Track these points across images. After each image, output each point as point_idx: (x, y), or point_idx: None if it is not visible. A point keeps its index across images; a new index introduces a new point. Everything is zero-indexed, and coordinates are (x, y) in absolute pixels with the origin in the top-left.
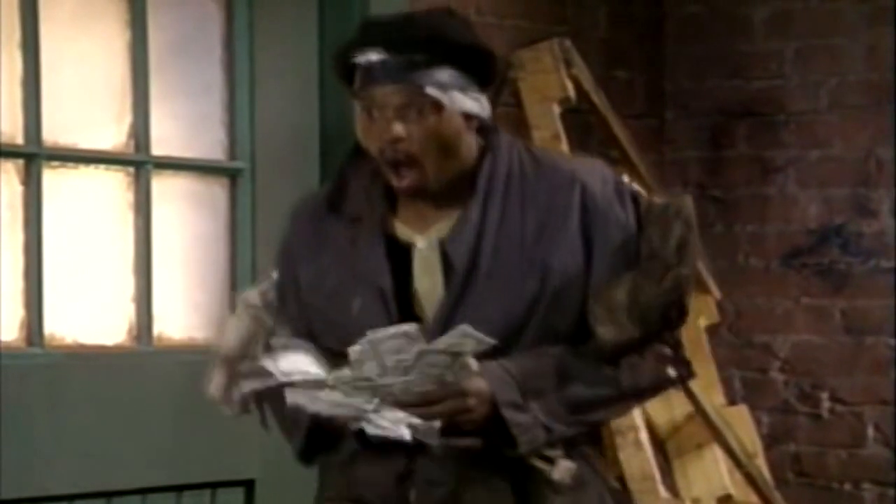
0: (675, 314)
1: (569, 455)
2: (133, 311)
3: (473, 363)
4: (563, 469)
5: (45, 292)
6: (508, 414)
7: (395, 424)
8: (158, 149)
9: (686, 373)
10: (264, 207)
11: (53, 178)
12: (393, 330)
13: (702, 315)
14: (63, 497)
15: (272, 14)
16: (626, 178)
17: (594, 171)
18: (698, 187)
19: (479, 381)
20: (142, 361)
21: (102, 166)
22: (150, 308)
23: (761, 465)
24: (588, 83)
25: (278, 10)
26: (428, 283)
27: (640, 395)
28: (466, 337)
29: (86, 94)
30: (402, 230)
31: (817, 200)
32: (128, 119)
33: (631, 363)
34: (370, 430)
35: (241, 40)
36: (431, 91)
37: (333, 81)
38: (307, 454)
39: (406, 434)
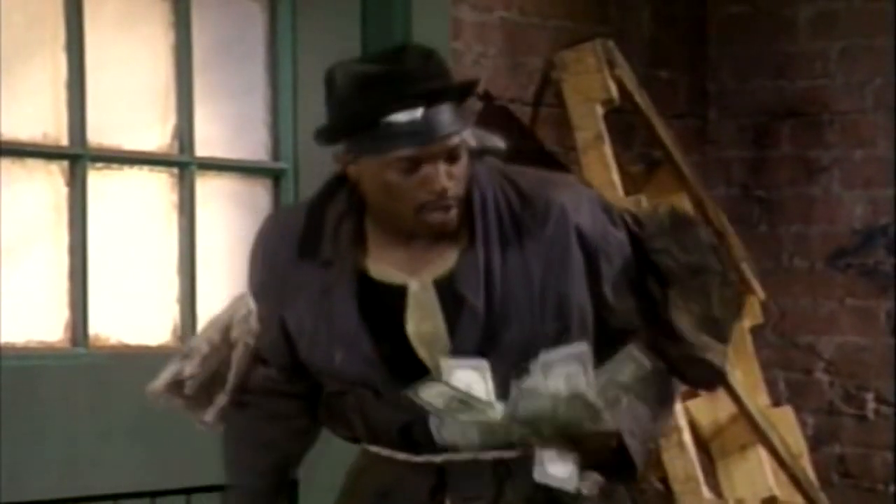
0: (741, 315)
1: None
2: (177, 311)
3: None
4: (591, 482)
5: (90, 293)
6: (631, 443)
7: (564, 469)
8: (202, 150)
9: (712, 385)
10: None
11: (98, 180)
12: (564, 352)
13: (746, 316)
14: (107, 497)
15: (315, 15)
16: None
17: (578, 195)
18: (742, 188)
19: (612, 421)
20: None
21: (146, 167)
22: (195, 308)
23: (806, 466)
24: (631, 84)
25: (321, 11)
26: (428, 327)
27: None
28: (632, 360)
29: (130, 96)
30: (384, 271)
31: (862, 201)
32: (172, 120)
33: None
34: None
35: (284, 42)
36: (465, 136)
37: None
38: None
39: (573, 484)
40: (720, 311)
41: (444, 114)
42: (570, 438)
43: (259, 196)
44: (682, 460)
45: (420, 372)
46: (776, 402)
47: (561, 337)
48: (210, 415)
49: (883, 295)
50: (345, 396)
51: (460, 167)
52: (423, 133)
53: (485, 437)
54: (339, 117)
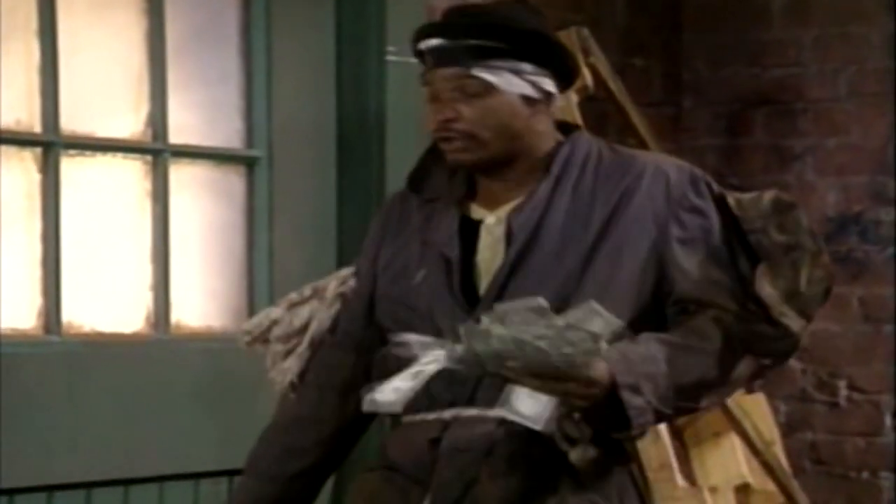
0: (826, 298)
1: (597, 443)
2: (151, 299)
3: (604, 346)
4: (579, 452)
5: (63, 281)
6: (627, 396)
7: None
8: (176, 137)
9: (784, 355)
10: (281, 195)
11: (71, 167)
12: (521, 303)
13: None
14: (81, 485)
15: (289, 2)
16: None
17: (670, 161)
18: (716, 175)
19: (602, 365)
20: (159, 349)
21: (120, 155)
22: (168, 296)
23: (779, 453)
24: (606, 72)
25: None
26: (489, 255)
27: (742, 381)
28: (594, 314)
29: (103, 83)
30: (476, 210)
31: (835, 188)
32: (145, 108)
33: (733, 350)
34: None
35: (259, 29)
36: (481, 73)
37: (350, 69)
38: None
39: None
40: (807, 287)
41: (468, 48)
42: (546, 381)
43: (233, 183)
44: (656, 448)
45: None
46: (749, 389)
47: (604, 288)
48: (289, 364)
49: (856, 282)
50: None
51: (481, 106)
52: (433, 60)
53: (458, 389)
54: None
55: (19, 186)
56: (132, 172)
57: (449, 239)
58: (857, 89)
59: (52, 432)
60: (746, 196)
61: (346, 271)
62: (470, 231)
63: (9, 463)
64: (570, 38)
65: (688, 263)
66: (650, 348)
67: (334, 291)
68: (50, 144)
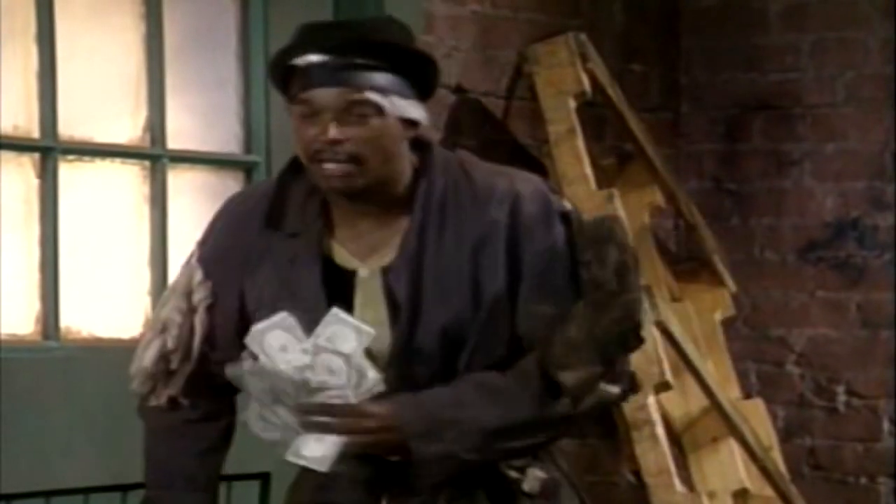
0: (632, 341)
1: (542, 464)
2: (149, 304)
3: (375, 379)
4: (532, 479)
5: (61, 286)
6: (415, 445)
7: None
8: (174, 142)
9: (628, 387)
10: None
11: (69, 172)
12: (264, 324)
13: (717, 308)
14: (78, 490)
15: (287, 6)
16: (558, 198)
17: (526, 190)
18: (714, 180)
19: (383, 406)
20: None
21: (118, 160)
22: None
23: (777, 458)
24: (604, 77)
25: (293, 2)
26: (371, 315)
27: (573, 419)
28: (344, 325)
29: (101, 88)
30: (342, 255)
31: (833, 194)
32: (143, 112)
33: (552, 389)
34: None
35: (257, 33)
36: (372, 95)
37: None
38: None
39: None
40: (602, 331)
41: (357, 67)
42: (325, 417)
43: (231, 188)
44: (655, 453)
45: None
46: (747, 395)
47: (470, 325)
48: (175, 387)
49: (854, 287)
50: None
51: (368, 129)
52: (320, 78)
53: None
54: (272, 58)
55: (17, 191)
56: (130, 177)
57: (316, 298)
58: (854, 94)
59: (50, 437)
60: (590, 221)
61: (200, 275)
62: (336, 276)
63: (7, 468)
64: (568, 43)
65: (530, 300)
66: (461, 393)
67: (203, 304)
68: (48, 149)
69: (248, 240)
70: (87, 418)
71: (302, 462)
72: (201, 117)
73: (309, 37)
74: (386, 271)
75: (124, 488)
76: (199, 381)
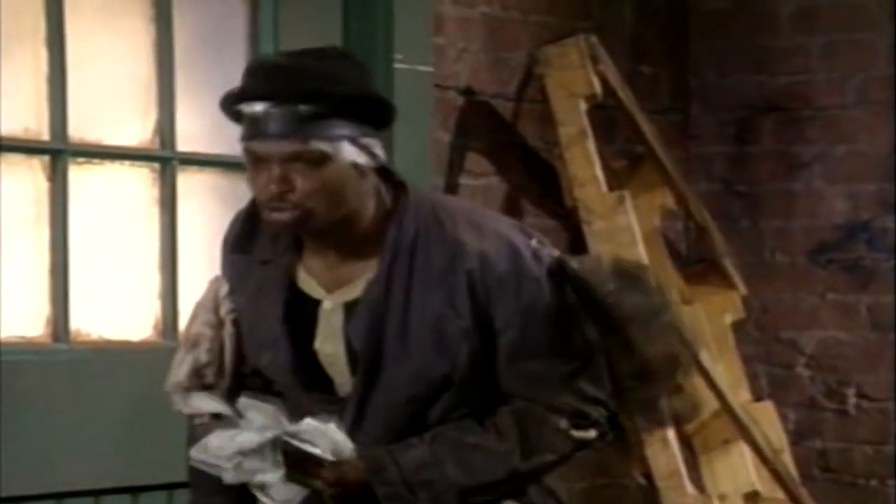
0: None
1: (524, 498)
2: (159, 307)
3: (345, 443)
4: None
5: (71, 288)
6: (377, 482)
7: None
8: (184, 145)
9: (607, 429)
10: None
11: (79, 175)
12: (256, 401)
13: (727, 311)
14: (88, 492)
15: (296, 9)
16: (538, 245)
17: (494, 249)
18: (723, 183)
19: (356, 465)
20: (167, 357)
21: (128, 162)
22: (176, 304)
23: (787, 461)
24: (614, 79)
25: (303, 4)
26: (330, 348)
27: (536, 472)
28: (323, 435)
29: (111, 91)
30: (309, 283)
31: (843, 196)
32: (153, 115)
33: (524, 442)
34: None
35: (266, 36)
36: (317, 145)
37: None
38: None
39: None
40: (657, 355)
41: (303, 116)
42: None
43: (241, 191)
44: (666, 455)
45: (330, 387)
46: (758, 397)
47: (446, 384)
48: (216, 403)
49: (864, 290)
50: None
51: (315, 178)
52: (265, 128)
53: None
54: (221, 98)
55: (27, 194)
56: (140, 180)
57: (278, 334)
58: (865, 97)
59: (60, 440)
60: (587, 259)
61: (224, 288)
62: (305, 307)
63: (17, 470)
64: (579, 45)
65: (515, 358)
66: (436, 451)
67: (230, 318)
68: (58, 152)
69: (232, 263)
70: (97, 420)
71: (267, 501)
72: (211, 120)
73: (255, 82)
74: (348, 307)
75: (135, 490)
76: (233, 395)
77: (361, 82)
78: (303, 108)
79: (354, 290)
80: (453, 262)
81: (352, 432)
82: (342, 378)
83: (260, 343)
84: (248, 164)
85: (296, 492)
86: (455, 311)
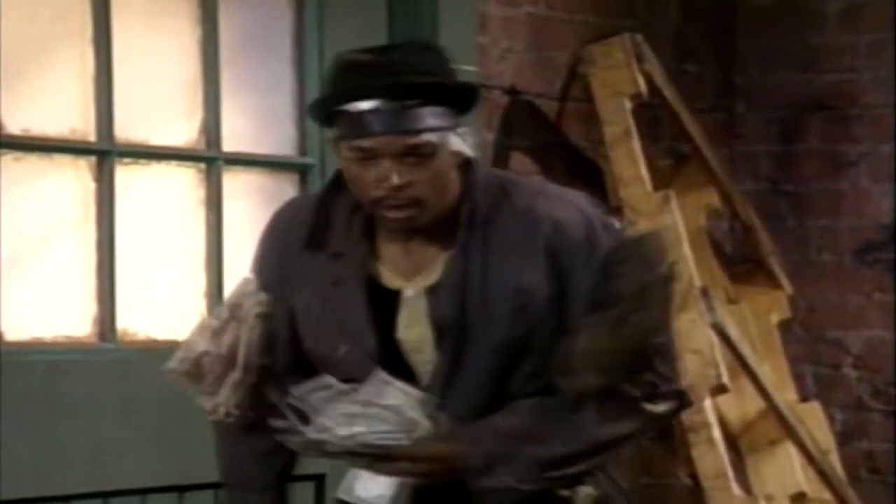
0: (642, 360)
1: (592, 479)
2: (204, 306)
3: (427, 424)
4: (583, 496)
5: (118, 288)
6: (470, 480)
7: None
8: (229, 145)
9: (678, 404)
10: None
11: (125, 175)
12: (312, 384)
13: (774, 310)
14: (134, 491)
15: (341, 9)
16: (604, 214)
17: (567, 215)
18: (769, 181)
19: (440, 446)
20: None
21: (174, 162)
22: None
23: (834, 462)
24: (659, 78)
25: (348, 5)
26: (415, 334)
27: (615, 442)
28: (387, 385)
29: (157, 91)
30: (387, 275)
31: (890, 195)
32: (199, 115)
33: (600, 413)
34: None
35: (311, 36)
36: (428, 136)
37: None
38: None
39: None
40: (608, 344)
41: (410, 109)
42: (374, 462)
43: (286, 191)
44: (712, 456)
45: (410, 376)
46: (804, 398)
47: (523, 350)
48: (223, 395)
49: None
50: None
51: (427, 169)
52: (376, 125)
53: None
54: (315, 101)
55: (74, 194)
56: (186, 180)
57: (362, 322)
58: None
59: (107, 439)
60: (630, 238)
61: (253, 286)
62: (381, 296)
63: (64, 468)
64: (624, 44)
65: (577, 325)
66: (517, 422)
67: (252, 312)
68: (104, 153)
69: (292, 257)
70: (144, 419)
71: (356, 502)
72: (256, 120)
73: (357, 81)
74: (431, 291)
75: (181, 489)
76: (257, 391)
77: (452, 71)
78: (408, 102)
79: (434, 274)
80: (528, 230)
81: (433, 414)
82: (426, 366)
83: (335, 336)
84: (351, 163)
85: (383, 486)
86: (533, 278)
